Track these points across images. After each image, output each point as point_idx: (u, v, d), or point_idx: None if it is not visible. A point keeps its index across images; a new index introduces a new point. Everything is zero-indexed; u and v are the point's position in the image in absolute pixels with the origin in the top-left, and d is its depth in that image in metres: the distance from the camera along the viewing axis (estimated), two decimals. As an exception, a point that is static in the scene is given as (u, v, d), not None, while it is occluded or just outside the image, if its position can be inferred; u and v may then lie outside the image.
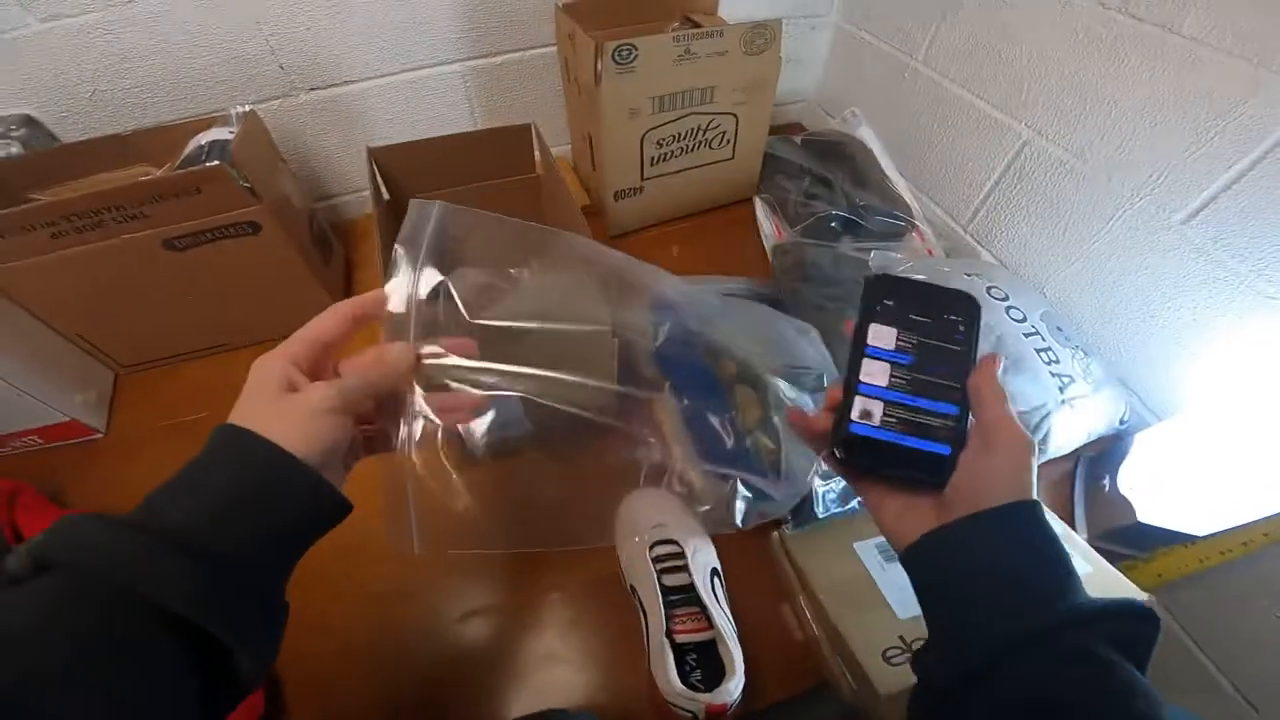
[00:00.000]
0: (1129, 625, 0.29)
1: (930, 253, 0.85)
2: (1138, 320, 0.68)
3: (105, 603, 0.26)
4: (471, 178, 0.74)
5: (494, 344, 0.41)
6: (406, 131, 0.87)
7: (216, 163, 0.64)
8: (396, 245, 0.38)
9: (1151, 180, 0.63)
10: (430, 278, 0.39)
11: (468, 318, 0.41)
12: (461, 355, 0.39)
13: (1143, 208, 0.65)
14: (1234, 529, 0.59)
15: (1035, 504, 0.33)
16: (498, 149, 0.72)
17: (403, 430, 0.37)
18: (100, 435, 0.72)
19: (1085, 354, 0.68)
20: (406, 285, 0.38)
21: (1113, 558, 0.59)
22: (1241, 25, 0.53)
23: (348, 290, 0.86)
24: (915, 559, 0.34)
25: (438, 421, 0.38)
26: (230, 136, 0.70)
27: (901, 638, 0.51)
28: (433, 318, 0.38)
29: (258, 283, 0.72)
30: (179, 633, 0.26)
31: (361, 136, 0.69)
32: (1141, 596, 0.53)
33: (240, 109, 0.73)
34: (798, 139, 0.99)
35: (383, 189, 0.68)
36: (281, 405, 0.33)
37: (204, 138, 0.72)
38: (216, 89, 0.79)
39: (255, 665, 0.29)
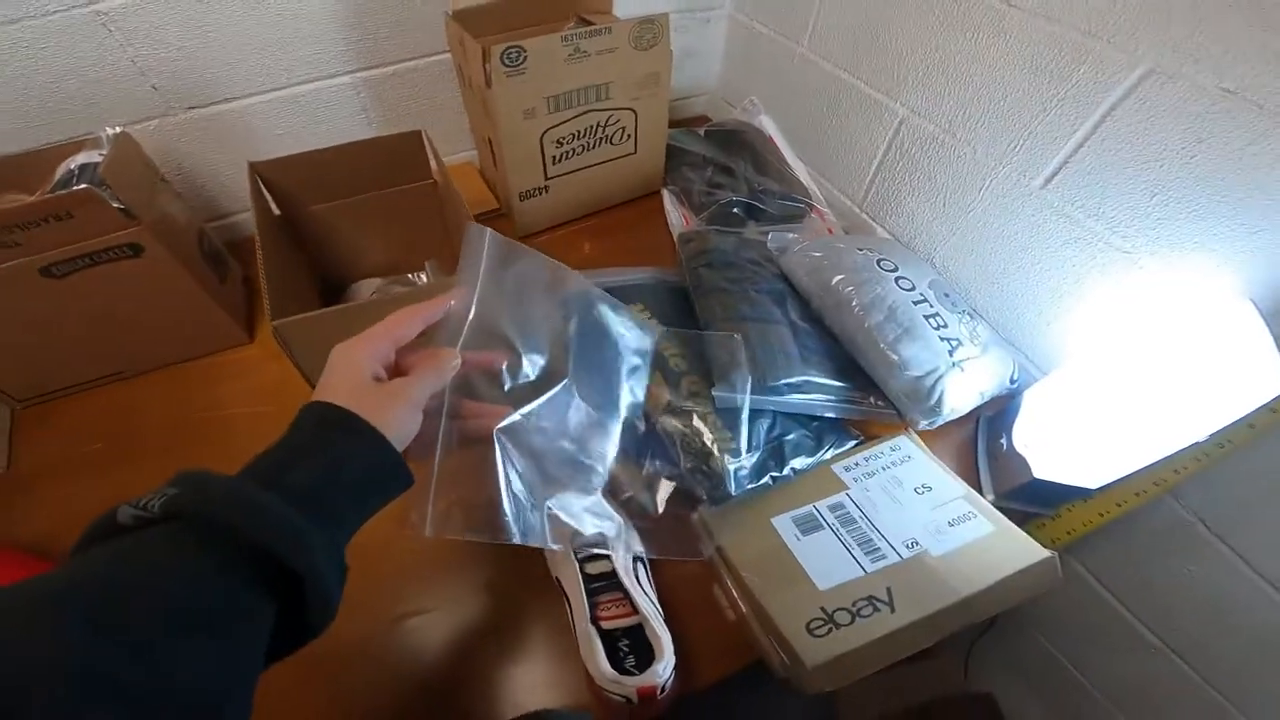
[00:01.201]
0: None
1: (830, 231, 0.88)
2: (1016, 282, 0.73)
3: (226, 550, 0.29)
4: (368, 186, 0.73)
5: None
6: (301, 146, 0.84)
7: (85, 186, 0.61)
8: (460, 264, 0.46)
9: (1011, 149, 0.68)
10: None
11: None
12: (491, 366, 0.47)
13: (1006, 175, 0.70)
14: (1124, 479, 0.62)
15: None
16: (390, 157, 0.71)
17: (444, 425, 0.42)
18: (1, 471, 0.68)
19: (971, 317, 0.72)
20: (466, 298, 0.45)
21: (1023, 517, 0.62)
22: (1065, -4, 0.58)
23: (250, 308, 0.83)
24: None
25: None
26: (100, 159, 0.67)
27: (823, 608, 0.53)
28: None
29: (147, 306, 0.69)
30: (276, 585, 0.30)
31: (250, 153, 0.67)
32: (1044, 554, 0.56)
33: (111, 130, 0.70)
34: (701, 130, 1.01)
35: (271, 204, 0.67)
36: (381, 396, 0.38)
37: (73, 162, 0.69)
38: (87, 112, 0.75)
39: (326, 622, 0.33)
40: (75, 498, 0.66)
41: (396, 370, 0.42)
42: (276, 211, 0.68)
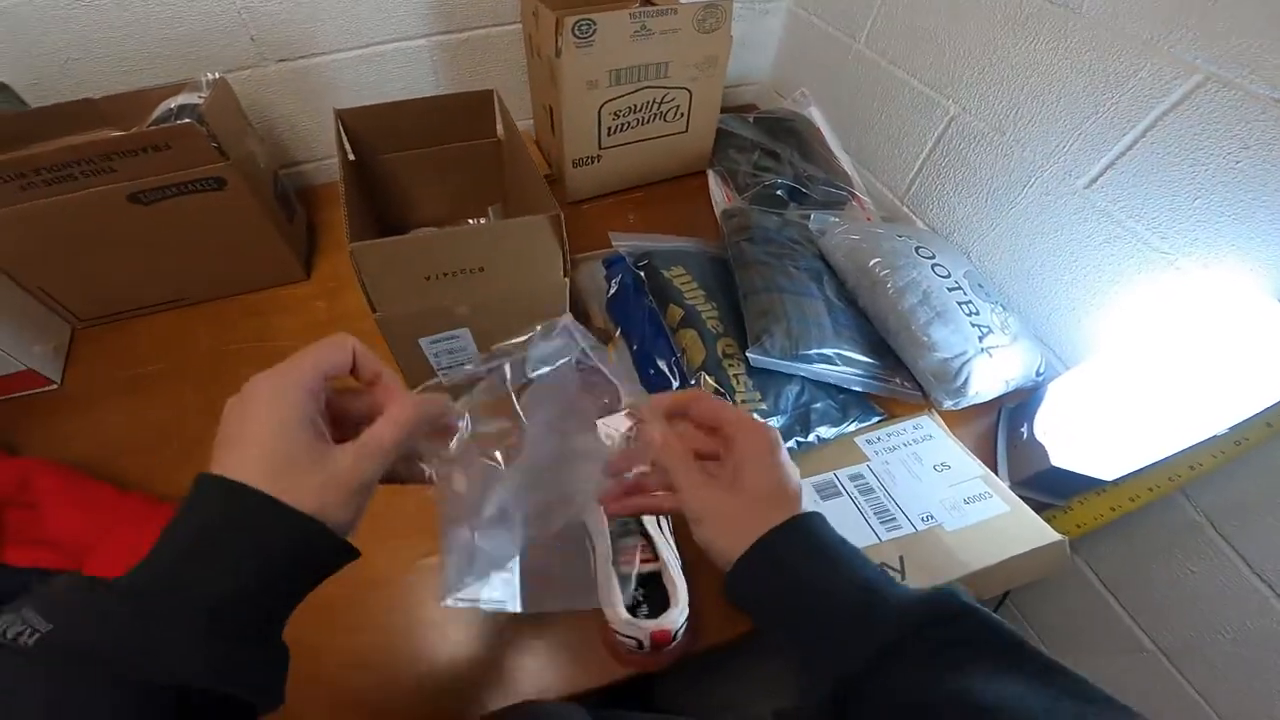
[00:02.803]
0: (945, 629, 0.32)
1: (869, 219, 0.91)
2: (1051, 278, 0.75)
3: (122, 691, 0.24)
4: (435, 140, 0.77)
5: None
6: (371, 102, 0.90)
7: (187, 120, 0.66)
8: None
9: (1059, 149, 0.69)
10: None
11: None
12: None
13: (1052, 174, 0.71)
14: (1140, 472, 0.63)
15: (806, 517, 0.37)
16: (461, 114, 0.76)
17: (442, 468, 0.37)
18: (55, 386, 0.73)
19: (1004, 309, 0.74)
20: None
21: (1036, 508, 0.62)
22: (1132, 5, 0.59)
23: (310, 249, 0.89)
24: (731, 595, 0.37)
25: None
26: (199, 101, 0.72)
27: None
28: None
29: (221, 237, 0.75)
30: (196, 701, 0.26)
31: (326, 106, 0.72)
32: (1055, 537, 0.58)
33: (210, 76, 0.75)
34: (750, 117, 1.04)
35: (349, 149, 0.71)
36: (323, 470, 0.29)
37: (173, 102, 0.74)
38: (188, 59, 0.81)
39: (272, 709, 0.29)
40: (123, 418, 0.70)
41: (336, 413, 0.33)
42: (352, 157, 0.73)
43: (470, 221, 0.87)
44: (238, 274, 0.82)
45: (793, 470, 0.40)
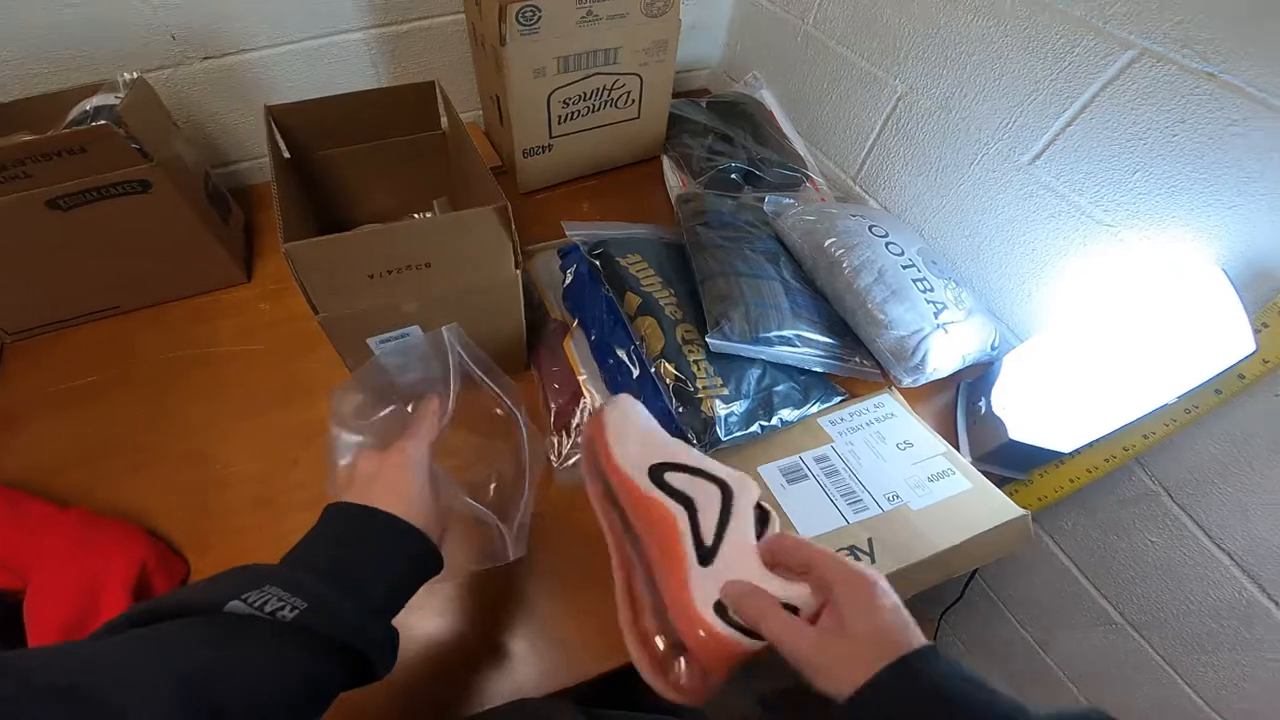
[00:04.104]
0: None
1: (823, 200, 0.91)
2: (1000, 253, 0.76)
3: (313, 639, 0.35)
4: (376, 135, 0.74)
5: None
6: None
7: (104, 122, 0.62)
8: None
9: (1003, 126, 0.70)
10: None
11: None
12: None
13: (997, 151, 0.72)
14: (1096, 443, 0.65)
15: (921, 651, 0.32)
16: (402, 107, 0.73)
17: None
18: None
19: (957, 285, 0.75)
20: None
21: (998, 481, 0.63)
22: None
23: (249, 251, 0.86)
24: None
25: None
26: (116, 102, 0.68)
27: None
28: None
29: (151, 241, 0.71)
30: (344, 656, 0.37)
31: (259, 104, 0.68)
32: (1018, 511, 0.58)
33: (128, 76, 0.71)
34: (702, 101, 1.03)
35: (283, 147, 0.68)
36: (434, 508, 0.45)
37: (89, 103, 0.70)
38: (104, 59, 0.77)
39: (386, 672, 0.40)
40: (61, 432, 0.67)
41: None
42: (286, 155, 0.70)
43: (416, 216, 0.85)
44: (173, 279, 0.78)
45: (899, 610, 0.35)
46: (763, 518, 0.45)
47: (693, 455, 0.48)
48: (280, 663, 0.33)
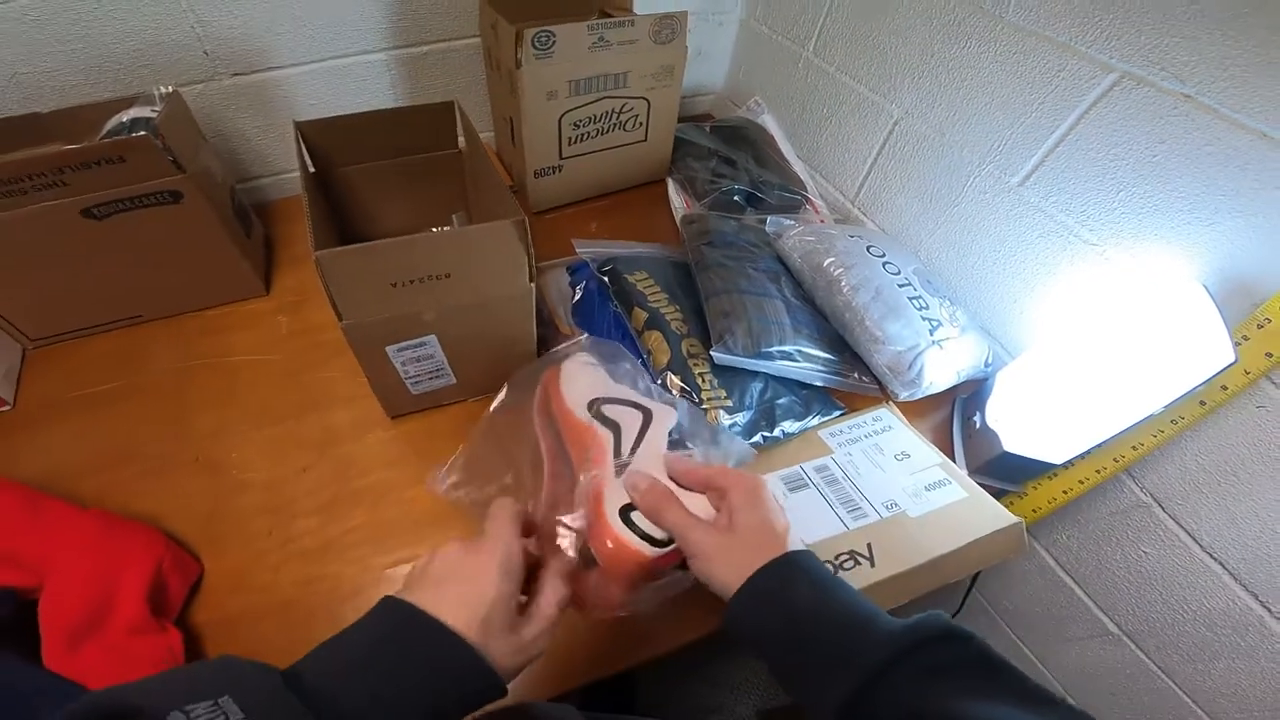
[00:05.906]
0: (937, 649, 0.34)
1: (822, 221, 0.94)
2: (993, 272, 0.79)
3: None
4: (396, 152, 0.78)
5: None
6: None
7: (143, 133, 0.65)
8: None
9: (994, 149, 0.74)
10: None
11: None
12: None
13: (988, 173, 0.75)
14: (1086, 455, 0.67)
15: (796, 553, 0.39)
16: (422, 126, 0.76)
17: None
18: (8, 408, 0.71)
19: (951, 303, 0.78)
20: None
21: (993, 494, 0.65)
22: (1054, 8, 0.63)
23: (269, 264, 0.88)
24: (731, 628, 0.40)
25: None
26: (152, 114, 0.71)
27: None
28: None
29: (178, 252, 0.74)
30: None
31: (283, 120, 0.71)
32: (1012, 519, 0.61)
33: (163, 89, 0.74)
34: (706, 125, 1.07)
35: (309, 162, 0.71)
36: (515, 639, 0.37)
37: (125, 115, 0.73)
38: (139, 73, 0.80)
39: None
40: (79, 438, 0.69)
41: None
42: (312, 169, 0.73)
43: (434, 230, 0.88)
44: (195, 290, 0.80)
45: (780, 512, 0.42)
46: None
47: (630, 393, 0.55)
48: None
